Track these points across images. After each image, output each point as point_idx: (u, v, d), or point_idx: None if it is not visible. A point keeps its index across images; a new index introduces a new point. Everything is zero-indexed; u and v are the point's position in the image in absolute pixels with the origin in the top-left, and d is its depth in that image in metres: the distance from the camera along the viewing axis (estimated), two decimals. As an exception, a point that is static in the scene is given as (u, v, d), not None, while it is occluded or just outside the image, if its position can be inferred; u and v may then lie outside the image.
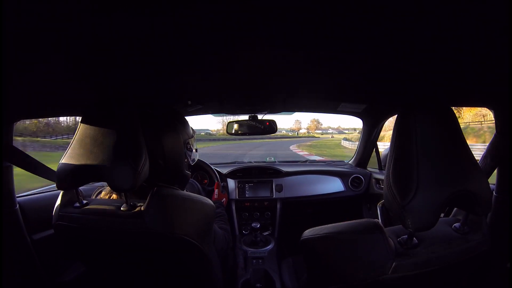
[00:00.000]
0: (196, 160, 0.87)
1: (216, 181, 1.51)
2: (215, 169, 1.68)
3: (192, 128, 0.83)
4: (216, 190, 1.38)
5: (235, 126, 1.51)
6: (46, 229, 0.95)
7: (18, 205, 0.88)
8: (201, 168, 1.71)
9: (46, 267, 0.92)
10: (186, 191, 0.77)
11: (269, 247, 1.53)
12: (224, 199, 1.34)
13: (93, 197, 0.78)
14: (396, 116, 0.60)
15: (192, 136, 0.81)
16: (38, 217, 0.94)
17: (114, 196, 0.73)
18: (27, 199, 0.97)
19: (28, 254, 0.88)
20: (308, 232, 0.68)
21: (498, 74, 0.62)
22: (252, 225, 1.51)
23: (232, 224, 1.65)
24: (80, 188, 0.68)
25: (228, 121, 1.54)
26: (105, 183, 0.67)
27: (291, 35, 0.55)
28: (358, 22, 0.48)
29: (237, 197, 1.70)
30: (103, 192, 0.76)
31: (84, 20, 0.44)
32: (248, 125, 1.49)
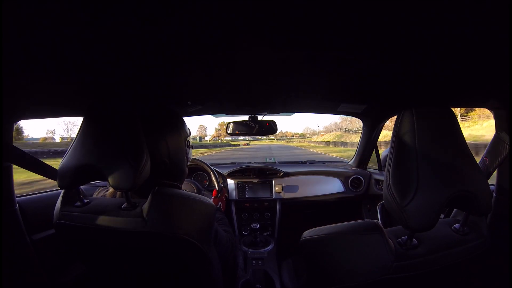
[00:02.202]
0: (191, 157, 0.90)
1: (214, 189, 1.47)
2: (215, 169, 1.69)
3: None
4: (212, 197, 1.35)
5: (235, 126, 1.51)
6: (46, 229, 0.95)
7: (17, 205, 0.88)
8: (201, 169, 1.71)
9: (45, 267, 0.92)
10: (186, 191, 0.78)
11: (269, 247, 1.53)
12: (220, 203, 1.31)
13: (95, 197, 0.78)
14: (396, 116, 0.61)
15: (190, 134, 0.86)
16: (38, 217, 0.94)
17: (119, 194, 0.74)
18: (27, 199, 0.97)
19: (28, 254, 0.88)
20: (308, 233, 0.68)
21: (498, 75, 0.62)
22: (252, 225, 1.51)
23: (232, 225, 1.65)
24: (82, 187, 0.68)
25: (228, 121, 1.54)
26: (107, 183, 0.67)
27: (291, 35, 0.55)
28: (359, 23, 0.48)
29: (236, 197, 1.70)
30: (109, 191, 0.78)
31: (83, 19, 0.44)
32: (247, 126, 1.49)
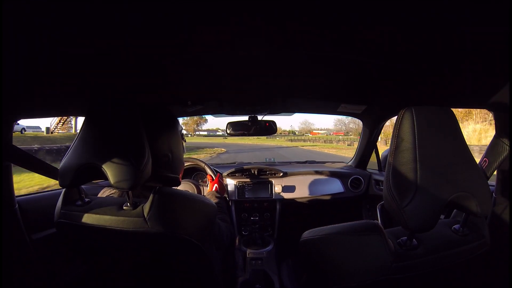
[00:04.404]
0: (185, 149, 0.97)
1: (209, 174, 1.52)
2: (214, 169, 1.69)
3: None
4: (209, 184, 1.39)
5: (235, 126, 1.51)
6: (46, 228, 0.95)
7: (17, 204, 0.88)
8: (200, 169, 1.71)
9: (45, 266, 0.92)
10: (187, 191, 0.78)
11: (268, 248, 1.53)
12: (216, 185, 1.33)
13: (99, 196, 0.78)
14: (396, 117, 0.61)
15: (182, 128, 0.93)
16: (38, 217, 0.94)
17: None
18: (27, 199, 0.97)
19: (28, 253, 0.88)
20: (307, 233, 0.68)
21: (498, 75, 0.62)
22: (251, 218, 1.60)
23: (231, 225, 1.66)
24: (84, 187, 0.69)
25: (228, 121, 1.54)
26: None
27: (291, 35, 0.55)
28: (359, 23, 0.48)
29: (236, 197, 1.70)
30: (115, 192, 0.79)
31: (84, 19, 0.44)
32: (247, 126, 1.49)
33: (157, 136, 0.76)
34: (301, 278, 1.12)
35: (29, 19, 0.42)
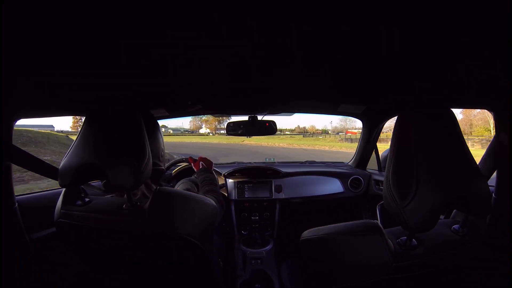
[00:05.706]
0: None
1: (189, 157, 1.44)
2: (214, 169, 1.68)
3: None
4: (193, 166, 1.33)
5: (234, 126, 1.51)
6: (45, 228, 0.95)
7: (17, 203, 0.88)
8: None
9: (44, 266, 0.92)
10: (189, 190, 0.78)
11: (268, 247, 1.53)
12: (201, 163, 1.29)
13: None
14: (396, 118, 0.61)
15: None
16: (37, 216, 0.94)
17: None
18: (26, 198, 0.97)
19: (27, 253, 0.88)
20: (307, 233, 0.68)
21: (498, 76, 0.62)
22: (252, 218, 1.62)
23: (231, 225, 1.66)
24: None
25: (228, 121, 1.53)
26: None
27: (291, 35, 0.55)
28: (359, 23, 0.48)
29: (236, 197, 1.70)
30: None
31: (84, 19, 0.44)
32: (247, 126, 1.49)
33: (154, 135, 0.84)
34: (301, 278, 1.12)
35: (29, 19, 0.42)
